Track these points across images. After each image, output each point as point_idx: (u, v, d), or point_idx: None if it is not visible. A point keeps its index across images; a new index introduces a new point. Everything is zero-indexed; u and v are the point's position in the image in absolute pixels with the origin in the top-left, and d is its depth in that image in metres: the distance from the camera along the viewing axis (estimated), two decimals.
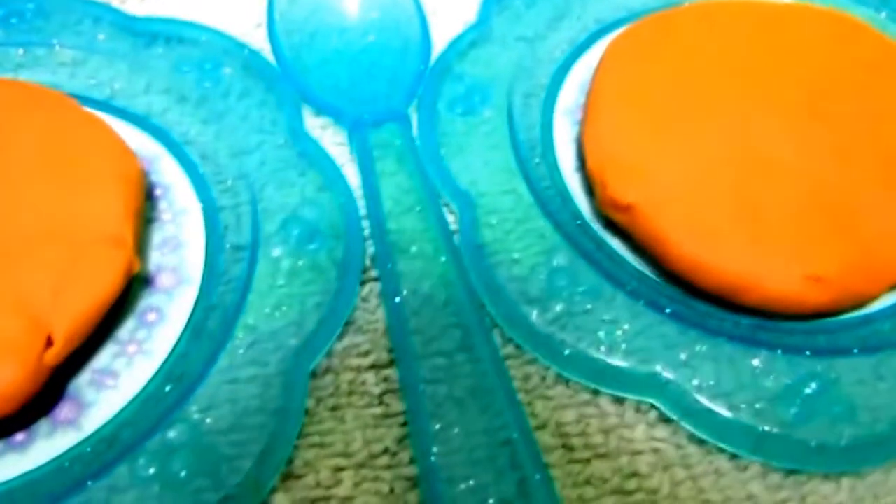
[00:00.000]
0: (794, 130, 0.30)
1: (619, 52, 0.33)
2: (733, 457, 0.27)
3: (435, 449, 0.26)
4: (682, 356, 0.28)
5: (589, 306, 0.28)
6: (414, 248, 0.30)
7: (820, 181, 0.29)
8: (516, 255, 0.30)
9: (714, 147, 0.30)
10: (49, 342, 0.26)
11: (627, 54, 0.33)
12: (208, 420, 0.26)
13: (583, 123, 0.32)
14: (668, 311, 0.29)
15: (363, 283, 0.31)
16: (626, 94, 0.32)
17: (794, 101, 0.31)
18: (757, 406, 0.27)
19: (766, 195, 0.29)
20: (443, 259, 0.30)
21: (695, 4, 0.36)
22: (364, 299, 0.31)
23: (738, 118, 0.30)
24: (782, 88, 0.31)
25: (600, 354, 0.28)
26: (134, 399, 0.27)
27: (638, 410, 0.28)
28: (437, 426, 0.27)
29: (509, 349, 0.29)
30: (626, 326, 0.28)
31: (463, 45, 0.35)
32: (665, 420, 0.28)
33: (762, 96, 0.31)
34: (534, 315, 0.28)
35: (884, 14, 0.37)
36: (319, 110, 0.35)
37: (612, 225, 0.31)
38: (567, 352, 0.28)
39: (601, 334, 0.28)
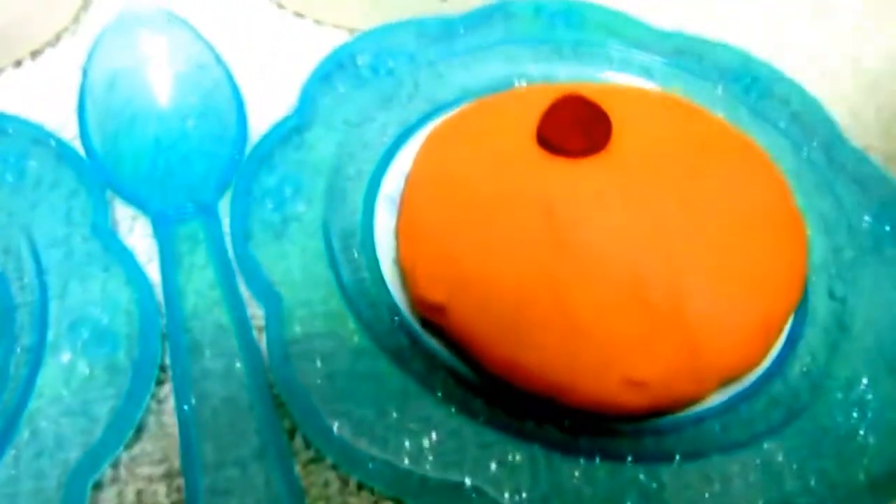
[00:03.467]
0: (615, 219, 0.28)
1: (437, 140, 0.31)
2: None
3: None
4: (494, 466, 0.26)
5: (395, 414, 0.26)
6: (209, 351, 0.28)
7: (642, 273, 0.27)
8: (322, 357, 0.27)
9: (531, 239, 0.27)
10: None
11: (446, 142, 0.31)
12: None
13: (398, 215, 0.30)
14: (481, 417, 0.26)
15: (161, 383, 0.29)
16: (442, 185, 0.30)
17: (616, 186, 0.28)
18: None
19: (585, 291, 0.26)
20: (238, 364, 0.27)
21: (522, 89, 0.34)
22: (161, 401, 0.28)
23: (557, 208, 0.28)
24: (604, 172, 0.29)
25: (405, 465, 0.25)
26: None
27: None
28: None
29: (311, 453, 0.28)
30: (434, 435, 0.26)
31: (284, 130, 0.33)
32: None
33: (583, 182, 0.28)
34: (335, 425, 0.26)
35: (720, 89, 0.36)
36: (128, 201, 0.32)
37: (428, 322, 0.28)
38: (370, 465, 0.26)
39: (407, 443, 0.26)
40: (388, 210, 0.32)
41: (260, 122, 0.34)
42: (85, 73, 0.35)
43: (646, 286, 0.26)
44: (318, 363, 0.27)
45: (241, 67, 0.36)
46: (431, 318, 0.28)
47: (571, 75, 0.36)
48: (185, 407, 0.27)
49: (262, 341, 0.29)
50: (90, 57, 0.35)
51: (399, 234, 0.30)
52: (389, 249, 0.31)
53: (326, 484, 0.27)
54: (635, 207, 0.28)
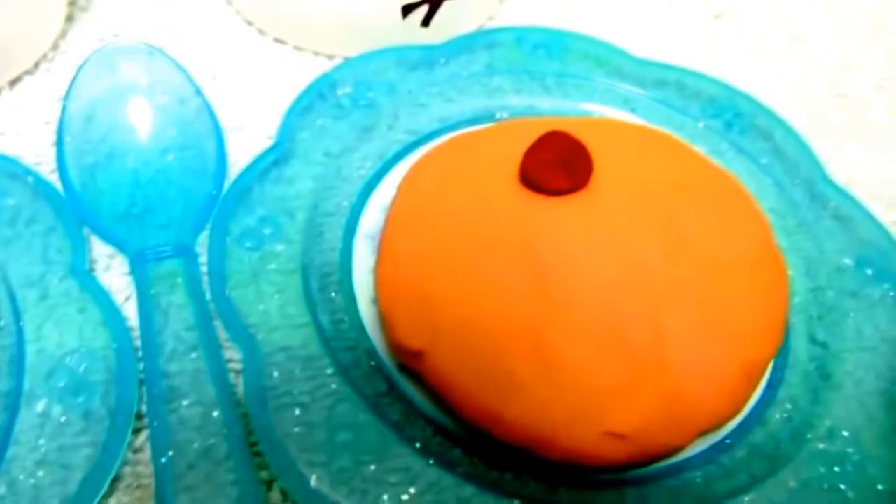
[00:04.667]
0: (597, 263, 0.27)
1: (417, 178, 0.31)
2: None
3: None
4: None
5: (373, 467, 0.26)
6: (187, 399, 0.27)
7: (622, 320, 0.26)
8: (300, 405, 0.27)
9: (512, 285, 0.27)
10: None
11: (426, 180, 0.31)
12: None
13: (377, 257, 0.30)
14: (460, 468, 0.26)
15: (137, 431, 0.28)
16: (422, 227, 0.29)
17: (597, 228, 0.28)
18: None
19: (566, 339, 0.26)
20: (216, 412, 0.27)
21: (504, 123, 0.34)
22: (137, 450, 0.28)
23: (538, 252, 0.28)
24: (585, 213, 0.28)
25: None
26: None
27: None
28: None
29: None
30: (412, 489, 0.26)
31: (263, 164, 0.32)
32: None
33: (564, 224, 0.28)
34: (313, 478, 0.26)
35: (702, 123, 0.35)
36: (106, 241, 0.32)
37: (406, 367, 0.28)
38: None
39: (385, 496, 0.26)
40: (367, 247, 0.31)
41: (239, 152, 0.34)
42: (64, 107, 0.34)
43: (626, 334, 0.26)
44: (297, 411, 0.27)
45: (221, 95, 0.36)
46: (409, 364, 0.28)
47: (554, 107, 0.36)
48: (162, 459, 0.26)
49: (240, 384, 0.28)
50: (69, 90, 0.34)
51: (378, 278, 0.29)
52: (368, 289, 0.30)
53: None
54: (616, 251, 0.28)
